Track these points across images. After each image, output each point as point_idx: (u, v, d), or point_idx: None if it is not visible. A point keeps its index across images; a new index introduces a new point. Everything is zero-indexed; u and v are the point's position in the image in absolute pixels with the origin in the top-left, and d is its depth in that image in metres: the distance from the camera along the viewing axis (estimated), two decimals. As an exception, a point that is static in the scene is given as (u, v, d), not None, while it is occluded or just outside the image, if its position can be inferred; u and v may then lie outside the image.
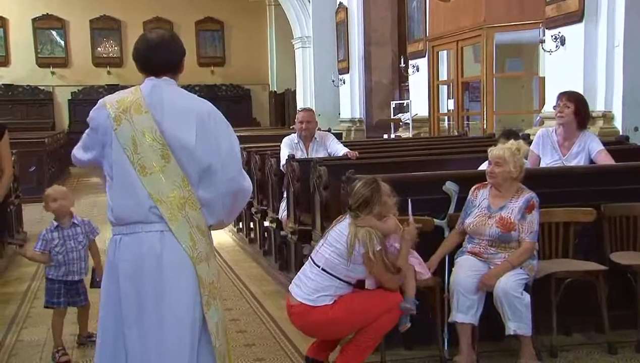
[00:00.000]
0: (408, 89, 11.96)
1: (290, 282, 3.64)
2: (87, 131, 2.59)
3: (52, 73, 19.38)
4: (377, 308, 3.44)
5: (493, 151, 3.85)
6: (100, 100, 2.56)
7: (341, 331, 3.55)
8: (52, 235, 4.14)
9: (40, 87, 19.28)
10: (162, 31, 2.67)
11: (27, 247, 4.52)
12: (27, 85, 19.12)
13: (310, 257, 3.58)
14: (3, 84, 18.96)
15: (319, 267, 3.45)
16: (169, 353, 2.41)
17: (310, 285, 3.45)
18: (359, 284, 3.55)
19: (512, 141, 3.94)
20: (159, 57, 2.55)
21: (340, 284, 3.44)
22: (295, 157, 5.69)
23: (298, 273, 3.62)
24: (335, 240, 3.44)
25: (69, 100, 19.41)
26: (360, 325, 3.44)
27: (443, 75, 10.47)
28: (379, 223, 3.43)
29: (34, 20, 19.16)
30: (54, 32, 19.50)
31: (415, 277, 3.63)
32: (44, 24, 19.31)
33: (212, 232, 2.62)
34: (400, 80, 13.23)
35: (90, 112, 2.55)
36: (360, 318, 3.43)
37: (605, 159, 4.66)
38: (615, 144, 5.45)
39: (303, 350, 3.88)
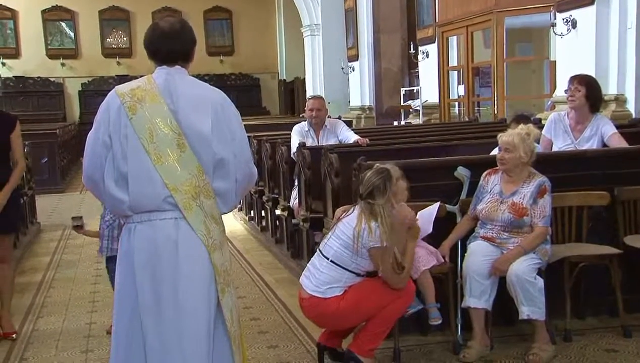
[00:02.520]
0: (418, 76, 11.90)
1: (302, 270, 3.64)
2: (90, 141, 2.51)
3: (62, 64, 19.45)
4: (387, 295, 3.44)
5: (502, 137, 3.79)
6: (113, 90, 2.55)
7: (353, 320, 3.54)
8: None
9: (50, 78, 19.38)
10: (173, 19, 2.65)
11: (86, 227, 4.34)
12: (38, 77, 19.21)
13: (319, 249, 3.56)
14: (14, 76, 19.07)
15: (327, 259, 3.44)
16: (188, 340, 2.42)
17: (319, 277, 3.43)
18: (371, 275, 3.53)
19: (521, 126, 3.88)
20: (169, 46, 2.54)
21: (349, 275, 3.43)
22: (306, 145, 5.69)
23: (308, 264, 3.62)
24: (343, 232, 3.42)
25: (79, 91, 19.51)
26: (371, 313, 3.44)
27: (453, 61, 10.41)
28: (391, 215, 3.39)
29: (43, 11, 19.22)
30: (63, 24, 19.56)
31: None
32: (54, 16, 19.37)
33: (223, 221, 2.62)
34: (410, 67, 13.15)
35: (103, 101, 2.54)
36: (370, 306, 3.43)
37: (618, 142, 4.61)
38: (628, 127, 5.41)
39: (316, 336, 3.88)
